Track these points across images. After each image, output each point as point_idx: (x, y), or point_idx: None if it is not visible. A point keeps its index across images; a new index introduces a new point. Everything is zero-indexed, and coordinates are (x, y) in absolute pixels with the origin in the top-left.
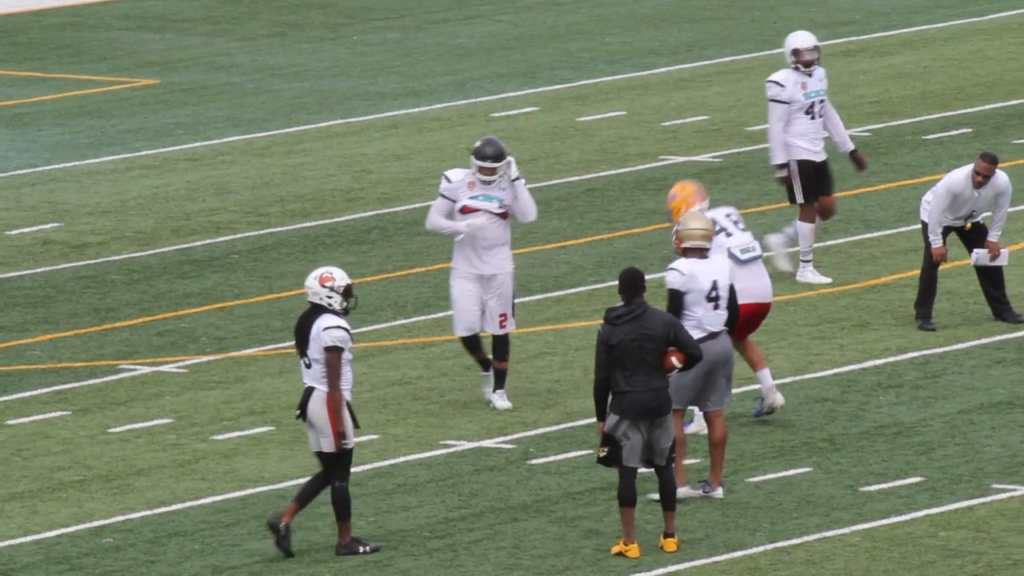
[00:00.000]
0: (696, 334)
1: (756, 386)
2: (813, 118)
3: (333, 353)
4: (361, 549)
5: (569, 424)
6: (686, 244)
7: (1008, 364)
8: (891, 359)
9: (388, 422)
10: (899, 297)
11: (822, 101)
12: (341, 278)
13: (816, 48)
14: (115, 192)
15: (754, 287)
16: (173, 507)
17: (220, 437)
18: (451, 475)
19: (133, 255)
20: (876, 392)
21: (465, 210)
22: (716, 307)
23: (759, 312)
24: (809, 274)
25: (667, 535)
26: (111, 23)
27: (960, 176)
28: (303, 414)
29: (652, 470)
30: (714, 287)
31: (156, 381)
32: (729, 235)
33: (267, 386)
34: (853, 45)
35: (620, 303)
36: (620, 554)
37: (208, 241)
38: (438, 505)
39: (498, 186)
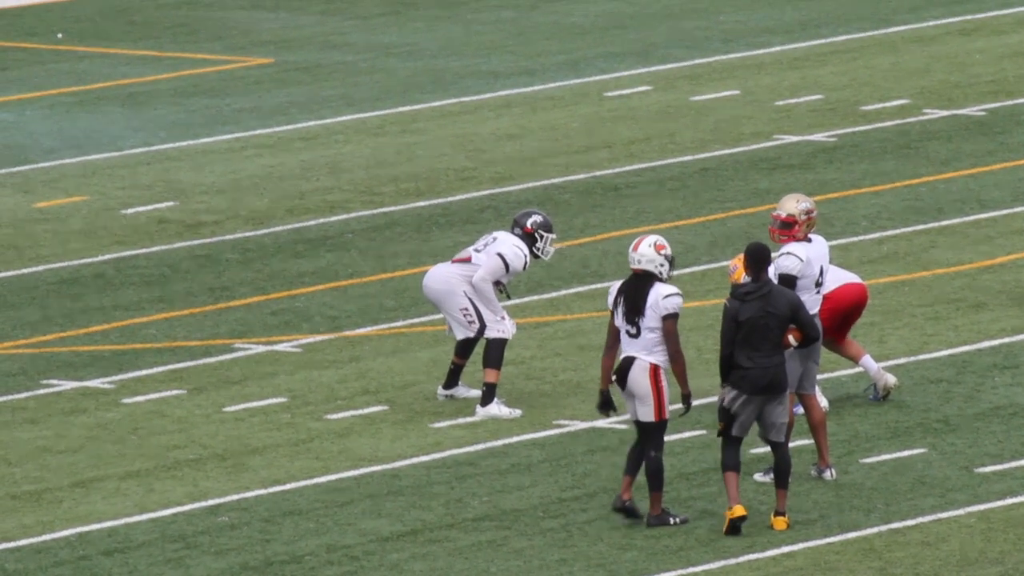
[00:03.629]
0: None
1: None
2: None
3: (673, 320)
4: (672, 520)
5: (681, 405)
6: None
7: None
8: (1007, 340)
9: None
10: (1015, 277)
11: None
12: (670, 246)
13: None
14: (229, 171)
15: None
16: (287, 486)
17: (334, 416)
18: (565, 455)
19: (247, 234)
20: (992, 373)
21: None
22: (819, 291)
23: (860, 299)
24: None
25: (778, 513)
26: (226, 2)
27: None
28: (622, 383)
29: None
30: (822, 272)
31: (270, 360)
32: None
33: (380, 365)
34: (969, 24)
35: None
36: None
37: (322, 220)
38: (552, 485)
39: None
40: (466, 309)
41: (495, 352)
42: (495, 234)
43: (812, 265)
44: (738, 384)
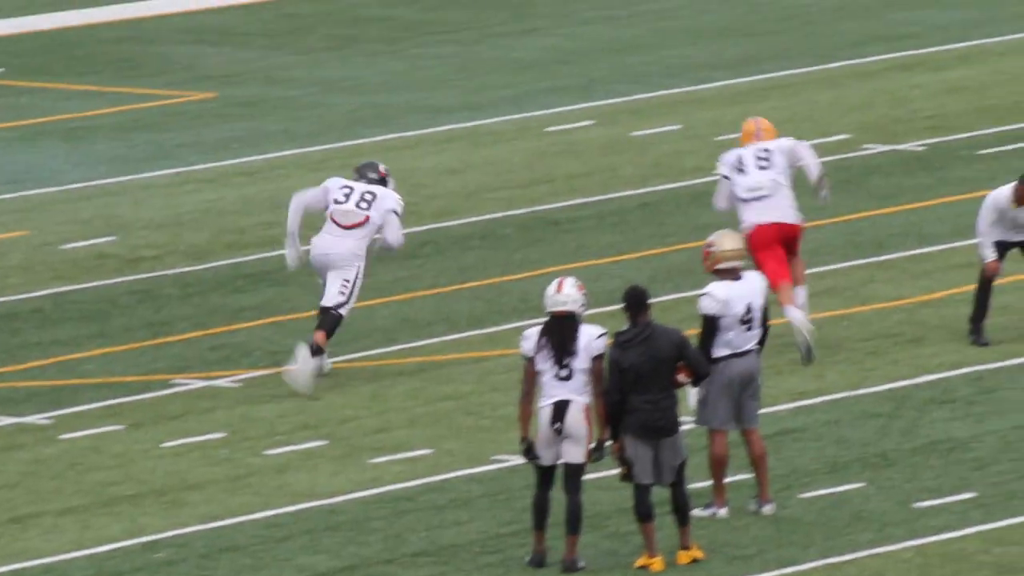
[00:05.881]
0: (722, 352)
1: (807, 401)
2: None
3: (601, 360)
4: (580, 565)
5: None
6: (720, 266)
7: None
8: (945, 374)
9: (440, 437)
10: (954, 312)
11: None
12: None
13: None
14: (170, 206)
15: (760, 215)
16: (226, 522)
17: (273, 451)
18: (503, 490)
19: (187, 269)
20: (930, 408)
21: None
22: (749, 328)
23: (767, 235)
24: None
25: (682, 547)
26: (168, 36)
27: (1004, 193)
28: (561, 425)
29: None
30: (748, 310)
31: (209, 395)
32: (744, 174)
33: (320, 400)
34: (909, 60)
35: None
36: (644, 567)
37: (262, 255)
38: (490, 520)
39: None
40: (347, 281)
41: (336, 323)
42: (364, 188)
43: (733, 304)
44: (630, 427)
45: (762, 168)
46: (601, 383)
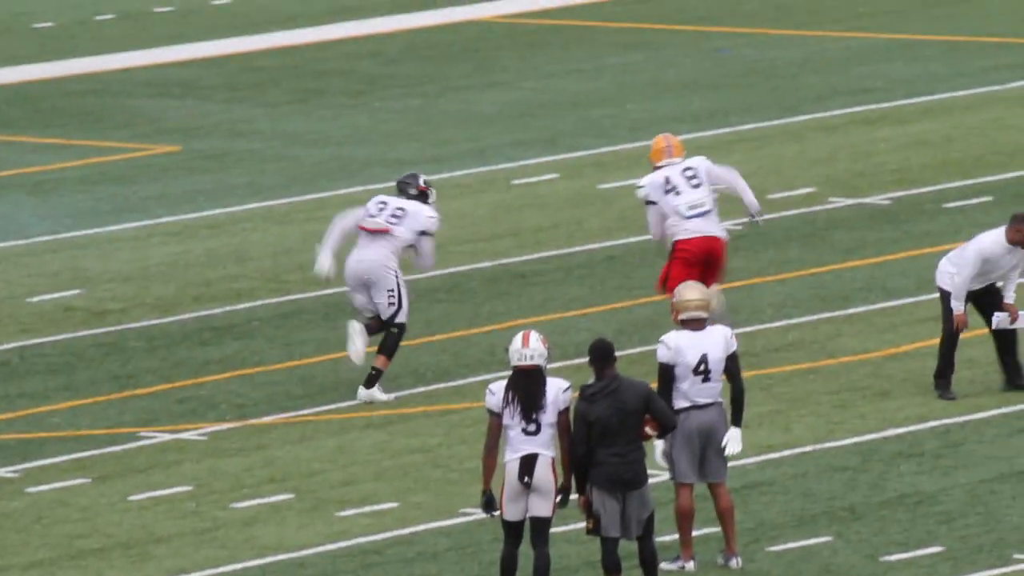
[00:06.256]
0: (682, 404)
1: (774, 454)
2: None
3: (567, 413)
4: None
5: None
6: (681, 316)
7: None
8: (912, 428)
9: (408, 490)
10: (920, 365)
11: None
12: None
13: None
14: (136, 259)
15: (702, 228)
16: (193, 575)
17: (240, 505)
18: (471, 543)
19: (153, 322)
20: (897, 461)
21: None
22: (705, 380)
23: (708, 247)
24: None
25: None
26: (133, 90)
27: (990, 240)
28: (531, 478)
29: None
30: (703, 360)
31: (176, 449)
32: (678, 194)
33: (287, 453)
34: (874, 113)
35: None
36: None
37: (228, 308)
38: (458, 574)
39: None
40: (392, 291)
41: (397, 340)
42: (399, 203)
43: (685, 353)
44: (597, 480)
45: (695, 186)
46: (567, 436)
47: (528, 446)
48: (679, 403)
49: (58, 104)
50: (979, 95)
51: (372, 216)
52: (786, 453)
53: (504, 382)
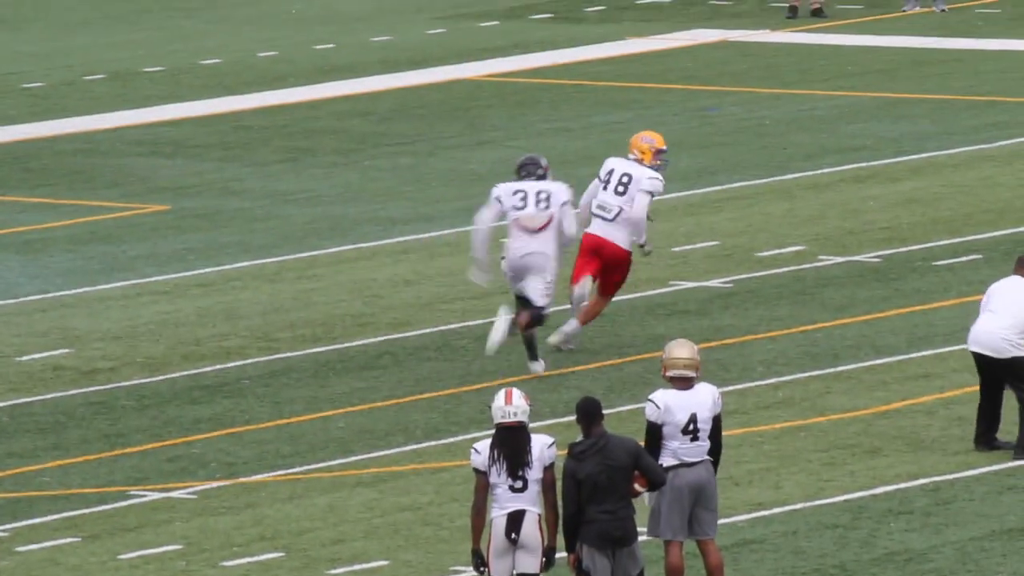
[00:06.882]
0: (670, 462)
1: (764, 512)
2: None
3: (552, 470)
4: None
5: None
6: (670, 373)
7: (1019, 491)
8: (902, 485)
9: (399, 548)
10: (910, 423)
11: None
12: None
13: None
14: (125, 318)
15: (604, 230)
16: None
17: (230, 563)
18: None
19: (143, 381)
20: (887, 519)
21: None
22: (694, 439)
23: (600, 248)
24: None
25: None
26: (123, 149)
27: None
28: (518, 535)
29: None
30: (692, 420)
31: (166, 507)
32: (604, 189)
33: (277, 512)
34: (863, 171)
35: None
36: None
37: (218, 367)
38: None
39: None
40: (549, 282)
41: (542, 322)
42: (539, 187)
43: (673, 412)
44: (587, 537)
45: (618, 193)
46: (553, 492)
47: (515, 503)
48: (667, 461)
49: (48, 164)
50: (968, 153)
51: (520, 208)
52: (776, 510)
53: (488, 441)
